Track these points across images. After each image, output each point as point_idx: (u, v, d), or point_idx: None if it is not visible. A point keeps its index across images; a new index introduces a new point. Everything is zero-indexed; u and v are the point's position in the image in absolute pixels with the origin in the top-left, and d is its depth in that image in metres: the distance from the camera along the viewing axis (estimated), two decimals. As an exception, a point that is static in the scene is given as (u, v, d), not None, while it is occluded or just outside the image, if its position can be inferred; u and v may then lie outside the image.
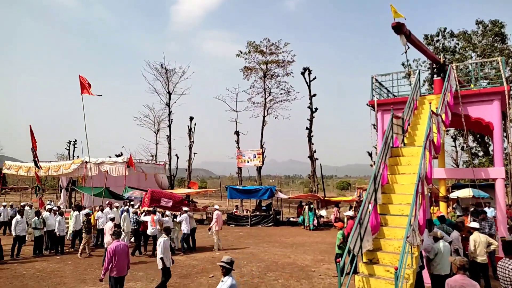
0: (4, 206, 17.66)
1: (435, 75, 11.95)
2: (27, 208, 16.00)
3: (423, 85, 26.86)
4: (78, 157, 26.87)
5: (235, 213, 24.53)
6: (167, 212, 15.03)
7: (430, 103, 9.74)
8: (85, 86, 15.54)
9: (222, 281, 5.27)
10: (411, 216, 6.67)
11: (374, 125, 15.11)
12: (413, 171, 8.35)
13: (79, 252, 13.26)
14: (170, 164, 31.65)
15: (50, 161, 22.82)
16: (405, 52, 10.34)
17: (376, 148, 15.37)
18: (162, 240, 8.65)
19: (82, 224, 13.82)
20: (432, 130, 8.71)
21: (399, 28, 9.29)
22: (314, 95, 29.31)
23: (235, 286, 5.23)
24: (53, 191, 36.83)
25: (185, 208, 14.45)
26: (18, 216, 13.37)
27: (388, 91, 12.83)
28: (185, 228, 14.20)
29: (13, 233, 13.20)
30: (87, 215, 13.73)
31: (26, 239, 14.39)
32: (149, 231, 13.69)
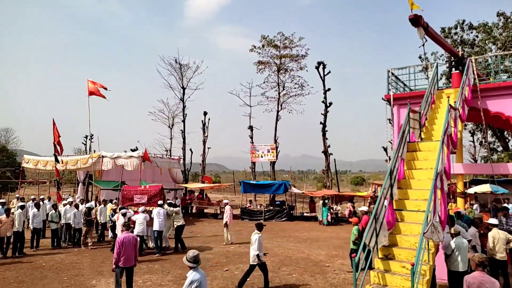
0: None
1: (453, 69, 11.69)
2: (46, 201, 16.37)
3: (441, 78, 26.35)
4: (94, 151, 27.31)
5: (249, 208, 24.61)
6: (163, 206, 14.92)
7: (448, 97, 9.54)
8: (93, 89, 15.79)
9: (187, 276, 5.29)
10: (428, 211, 6.58)
11: (389, 119, 14.92)
12: (430, 166, 8.23)
13: (81, 244, 13.84)
14: (184, 159, 31.88)
15: (68, 155, 23.25)
16: (423, 45, 10.16)
17: (391, 143, 15.17)
18: (257, 236, 8.62)
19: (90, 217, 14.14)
20: (450, 125, 8.55)
21: (416, 21, 9.11)
22: (329, 89, 29.07)
23: (197, 280, 5.18)
24: (70, 185, 37.56)
25: (159, 202, 13.30)
26: (35, 209, 13.68)
27: (405, 85, 12.61)
28: (156, 225, 12.86)
29: (31, 226, 13.54)
30: (89, 208, 14.12)
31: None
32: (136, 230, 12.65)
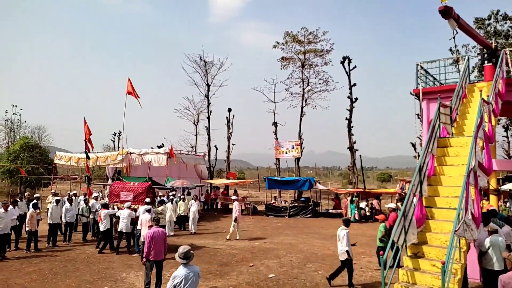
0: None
1: (485, 61, 11.25)
2: (81, 197, 16.91)
3: (472, 71, 25.41)
4: (123, 148, 28.02)
5: (274, 204, 24.61)
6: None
7: (480, 91, 9.20)
8: (131, 89, 16.10)
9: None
10: (459, 209, 6.39)
11: (418, 114, 14.55)
12: (462, 162, 7.98)
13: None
14: (209, 155, 32.18)
15: (98, 152, 23.94)
16: (453, 38, 9.83)
17: (420, 138, 14.80)
18: (345, 232, 8.66)
19: None
20: (484, 119, 8.25)
21: (447, 12, 8.81)
22: (354, 84, 28.59)
23: (179, 276, 5.23)
24: (100, 180, 38.67)
25: (147, 200, 12.60)
26: (67, 204, 14.19)
27: (434, 78, 12.25)
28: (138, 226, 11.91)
29: (64, 220, 14.07)
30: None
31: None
32: (100, 226, 12.63)
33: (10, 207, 12.92)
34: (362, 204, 22.27)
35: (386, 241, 9.87)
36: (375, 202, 22.19)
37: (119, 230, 12.39)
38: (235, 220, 15.05)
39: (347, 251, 8.59)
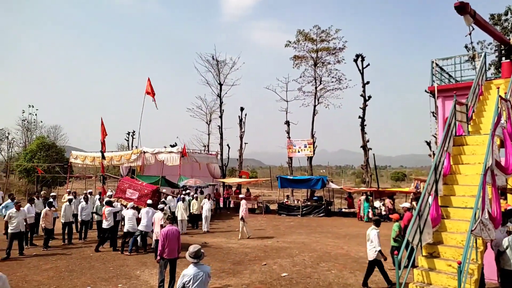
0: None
1: (503, 58, 11.01)
2: (97, 196, 17.15)
3: (489, 68, 24.88)
4: (136, 147, 28.30)
5: (286, 203, 24.57)
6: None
7: (498, 88, 9.01)
8: (150, 89, 16.21)
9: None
10: (476, 208, 6.27)
11: (433, 112, 14.32)
12: (478, 160, 7.83)
13: None
14: (222, 154, 32.28)
15: (112, 151, 24.24)
16: (469, 34, 9.63)
17: (435, 137, 14.58)
18: (375, 232, 8.69)
19: None
20: (503, 117, 8.07)
21: (462, 8, 8.65)
22: (367, 82, 28.31)
23: (188, 275, 5.24)
24: (114, 179, 39.18)
25: (148, 202, 12.52)
26: (83, 203, 14.40)
27: (450, 76, 12.04)
28: (142, 225, 12.14)
29: (79, 218, 14.30)
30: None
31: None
32: (104, 224, 12.65)
33: (28, 205, 13.24)
34: (376, 203, 22.07)
35: (401, 241, 9.77)
36: (387, 201, 21.95)
37: (125, 230, 12.39)
38: (242, 219, 15.06)
39: (380, 251, 8.53)
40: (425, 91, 11.40)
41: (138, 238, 12.28)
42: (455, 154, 8.40)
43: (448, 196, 7.74)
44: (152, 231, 11.66)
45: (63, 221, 13.75)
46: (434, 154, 7.86)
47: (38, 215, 13.82)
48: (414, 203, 16.57)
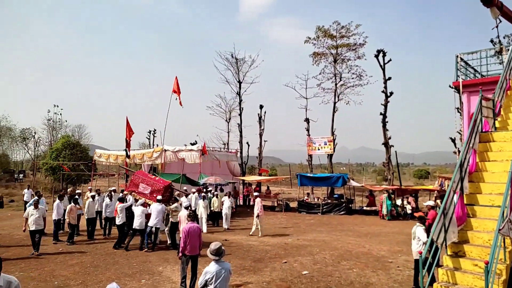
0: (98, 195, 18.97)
1: (532, 51, 10.61)
2: (121, 194, 17.53)
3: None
4: (157, 145, 28.72)
5: (306, 201, 24.46)
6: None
7: (527, 82, 8.71)
8: (177, 88, 16.33)
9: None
10: (503, 206, 6.08)
11: (458, 108, 13.95)
12: (505, 157, 7.60)
13: None
14: (241, 152, 32.41)
15: (134, 149, 24.68)
16: (496, 27, 9.32)
17: (460, 133, 14.19)
18: (421, 229, 8.38)
19: None
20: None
21: (489, 0, 8.37)
22: (389, 78, 27.81)
23: (210, 272, 5.28)
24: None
25: (158, 197, 12.52)
26: (107, 200, 14.73)
27: (475, 70, 11.70)
28: (152, 221, 12.18)
29: (103, 215, 14.66)
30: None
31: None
32: (116, 220, 12.72)
33: (57, 201, 13.70)
34: (398, 201, 21.70)
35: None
36: (411, 199, 21.55)
37: (133, 227, 12.24)
38: (257, 216, 15.06)
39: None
40: (450, 86, 11.12)
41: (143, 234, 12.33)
42: (481, 151, 8.17)
43: (474, 194, 7.55)
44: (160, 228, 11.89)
45: (87, 217, 14.17)
46: (459, 151, 7.65)
47: (65, 211, 14.26)
48: (438, 201, 16.21)
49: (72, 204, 13.40)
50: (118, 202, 12.94)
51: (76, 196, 14.28)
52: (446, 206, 6.67)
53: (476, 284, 6.07)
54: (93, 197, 14.64)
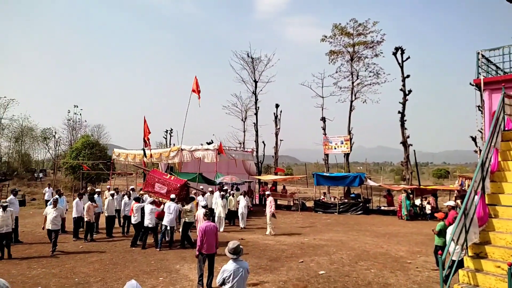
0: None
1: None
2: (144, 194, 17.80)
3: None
4: (174, 145, 29.00)
5: (323, 200, 24.31)
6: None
7: (552, 79, 8.43)
8: (196, 87, 16.41)
9: None
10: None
11: (479, 106, 13.63)
12: (530, 157, 7.37)
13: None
14: (257, 151, 32.43)
15: (151, 149, 24.98)
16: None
17: (481, 132, 13.85)
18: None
19: None
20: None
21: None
22: (408, 76, 27.38)
23: (228, 270, 5.30)
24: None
25: (172, 196, 12.55)
26: (126, 198, 14.99)
27: (497, 67, 11.38)
28: (165, 220, 12.31)
29: (122, 214, 14.91)
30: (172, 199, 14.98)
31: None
32: (132, 219, 12.90)
33: (77, 199, 13.98)
34: (417, 201, 21.34)
35: (444, 240, 9.41)
36: (431, 199, 21.16)
37: (145, 225, 12.28)
38: (273, 215, 15.07)
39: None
40: (470, 84, 10.85)
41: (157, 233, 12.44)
42: (504, 149, 7.96)
43: (496, 194, 7.36)
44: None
45: (106, 215, 14.45)
46: (480, 150, 7.47)
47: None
48: (458, 201, 15.87)
49: (89, 202, 13.69)
50: (134, 201, 13.14)
51: (96, 195, 14.56)
52: (467, 206, 6.53)
53: (498, 286, 5.92)
54: (112, 195, 14.92)
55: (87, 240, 13.17)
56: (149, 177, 13.76)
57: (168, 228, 12.52)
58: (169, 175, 14.30)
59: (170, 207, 12.34)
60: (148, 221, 12.21)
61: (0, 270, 9.47)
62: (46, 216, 11.79)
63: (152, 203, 12.56)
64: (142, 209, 12.87)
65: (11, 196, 13.36)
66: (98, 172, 32.02)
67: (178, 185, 13.27)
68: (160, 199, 13.12)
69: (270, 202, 15.30)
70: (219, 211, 15.70)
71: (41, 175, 44.56)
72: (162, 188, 13.03)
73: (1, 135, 48.19)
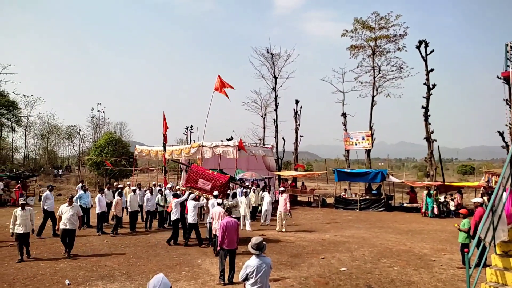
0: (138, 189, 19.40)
1: None
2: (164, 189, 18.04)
3: None
4: (194, 141, 29.27)
5: (344, 196, 24.08)
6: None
7: None
8: (221, 85, 16.07)
9: None
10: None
11: (507, 100, 13.18)
12: (563, 152, 7.06)
13: None
14: (277, 147, 32.37)
15: (172, 145, 25.29)
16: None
17: (510, 126, 13.40)
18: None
19: None
20: None
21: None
22: (432, 70, 26.68)
23: (251, 266, 5.28)
24: (174, 172, 40.95)
25: (215, 193, 12.26)
26: (148, 194, 15.25)
27: (527, 59, 10.94)
28: (209, 218, 11.89)
29: (145, 209, 15.18)
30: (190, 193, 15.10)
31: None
32: (172, 216, 12.61)
33: (98, 195, 14.31)
34: (441, 198, 20.86)
35: (470, 238, 9.20)
36: (457, 196, 20.65)
37: (188, 222, 12.12)
38: (289, 212, 14.91)
39: None
40: (498, 77, 10.47)
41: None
42: (535, 145, 7.66)
43: (527, 190, 7.09)
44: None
45: (130, 210, 14.74)
46: (508, 146, 7.21)
47: (108, 205, 14.90)
48: (485, 198, 15.43)
49: (118, 197, 13.96)
50: (172, 197, 12.84)
51: (127, 189, 14.79)
52: (494, 203, 6.33)
53: (529, 285, 5.73)
54: (134, 191, 15.19)
55: (113, 234, 13.48)
56: (191, 172, 13.26)
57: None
58: (211, 171, 13.89)
59: (214, 205, 11.82)
60: (191, 218, 11.94)
61: (30, 262, 9.82)
62: (60, 216, 10.64)
63: (194, 199, 12.30)
64: (181, 205, 12.61)
65: (47, 192, 13.80)
66: (121, 168, 32.67)
67: (224, 181, 12.93)
68: (204, 195, 12.87)
69: (284, 199, 14.97)
70: (243, 209, 15.27)
71: (60, 171, 45.56)
72: (206, 184, 12.60)
73: (28, 132, 49.85)
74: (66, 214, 10.53)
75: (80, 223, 11.11)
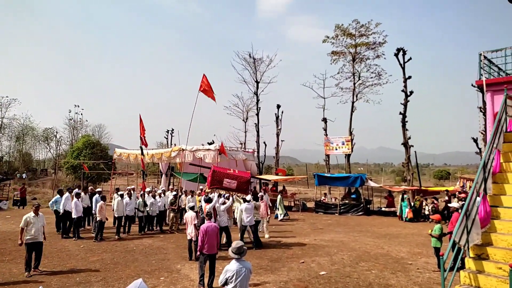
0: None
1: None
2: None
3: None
4: (175, 145, 28.99)
5: (323, 201, 24.29)
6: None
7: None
8: (205, 87, 15.44)
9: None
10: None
11: (481, 108, 13.63)
12: (532, 158, 7.36)
13: (169, 228, 15.51)
14: (258, 152, 32.44)
15: (152, 149, 25.01)
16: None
17: (483, 133, 13.86)
18: None
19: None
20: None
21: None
22: (409, 77, 27.33)
23: (231, 270, 5.31)
24: (154, 176, 40.42)
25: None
26: (127, 198, 14.97)
27: (499, 69, 11.37)
28: (245, 218, 12.17)
29: (123, 214, 14.88)
30: (175, 196, 15.52)
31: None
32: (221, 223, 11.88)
33: (75, 200, 13.93)
34: (417, 202, 21.28)
35: (442, 242, 9.44)
36: (431, 200, 21.12)
37: (221, 225, 11.35)
38: (268, 218, 14.78)
39: None
40: (472, 85, 10.83)
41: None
42: (506, 151, 7.95)
43: (498, 195, 7.35)
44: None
45: (116, 215, 14.44)
46: (481, 152, 7.47)
47: (85, 209, 14.54)
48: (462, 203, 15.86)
49: (102, 202, 13.64)
50: (205, 203, 11.55)
51: (96, 195, 14.56)
52: (468, 208, 6.52)
53: (500, 287, 5.91)
54: (121, 196, 14.79)
55: (97, 240, 13.15)
56: (214, 174, 12.95)
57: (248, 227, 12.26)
58: (232, 169, 13.86)
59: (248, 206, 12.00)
60: (222, 222, 11.64)
61: (2, 269, 9.48)
62: (23, 228, 9.13)
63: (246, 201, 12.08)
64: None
65: (67, 193, 14.14)
66: (99, 171, 32.02)
67: (246, 178, 12.81)
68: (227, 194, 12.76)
69: (265, 204, 14.37)
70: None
71: (24, 175, 42.85)
72: (232, 182, 12.65)
73: (2, 134, 48.35)
74: (35, 225, 9.17)
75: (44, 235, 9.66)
